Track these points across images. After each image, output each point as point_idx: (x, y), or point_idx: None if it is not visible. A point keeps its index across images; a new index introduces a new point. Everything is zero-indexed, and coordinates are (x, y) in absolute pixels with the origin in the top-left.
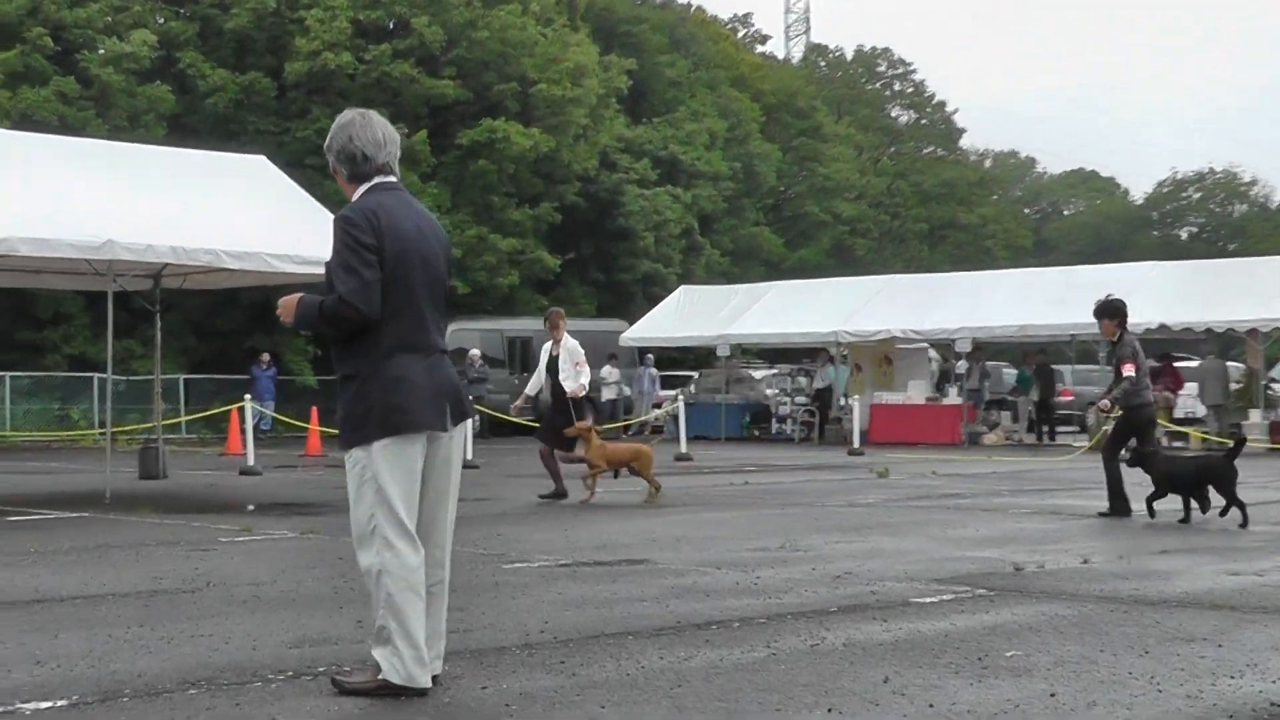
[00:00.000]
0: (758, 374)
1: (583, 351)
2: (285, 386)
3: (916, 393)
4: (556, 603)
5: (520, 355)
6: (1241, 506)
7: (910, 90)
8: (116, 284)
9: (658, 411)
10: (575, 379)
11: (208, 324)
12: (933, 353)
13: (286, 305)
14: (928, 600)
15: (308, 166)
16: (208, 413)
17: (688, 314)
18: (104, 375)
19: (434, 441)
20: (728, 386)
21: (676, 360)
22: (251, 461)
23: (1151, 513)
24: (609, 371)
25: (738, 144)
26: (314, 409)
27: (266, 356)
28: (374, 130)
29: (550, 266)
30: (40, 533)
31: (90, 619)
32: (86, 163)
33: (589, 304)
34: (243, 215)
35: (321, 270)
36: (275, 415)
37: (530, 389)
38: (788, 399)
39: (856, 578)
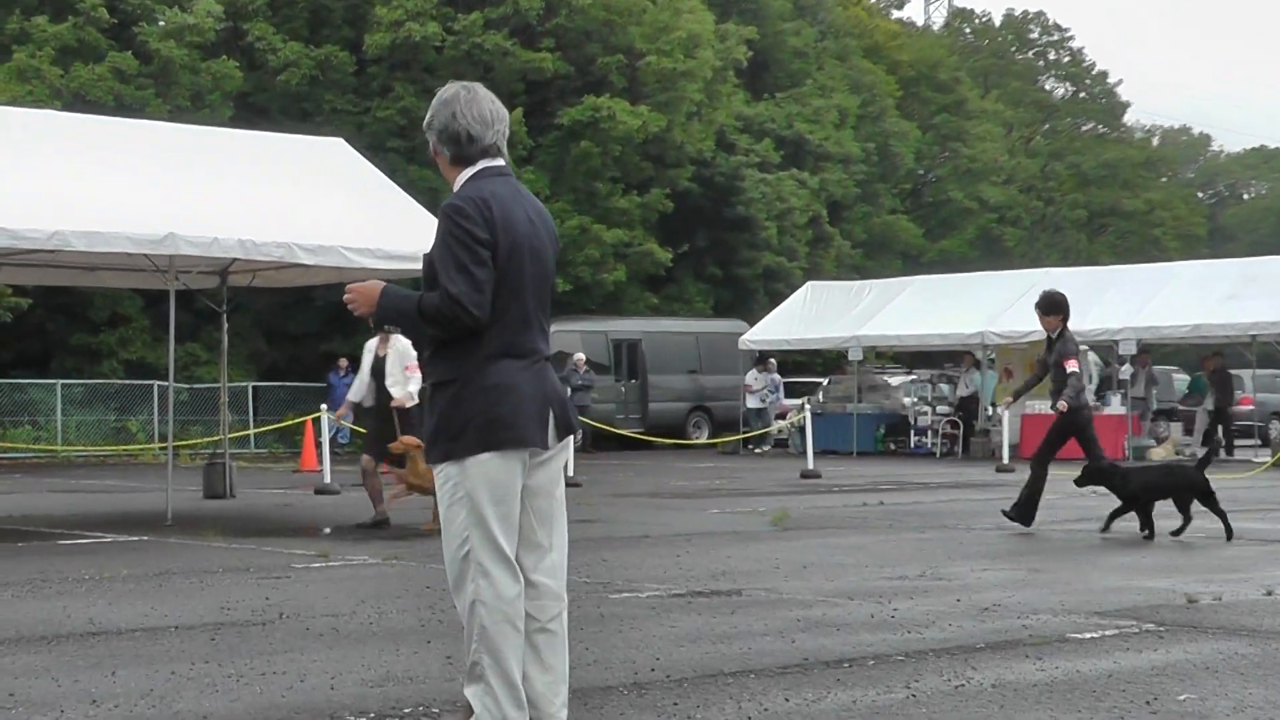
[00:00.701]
0: (894, 380)
1: (415, 354)
2: None
3: None
4: (669, 637)
5: (628, 360)
6: (1225, 519)
7: (1067, 60)
8: (179, 282)
9: (781, 423)
10: (404, 385)
11: (279, 326)
12: (1093, 356)
13: (363, 294)
14: (1088, 636)
15: (390, 150)
16: (279, 425)
17: (815, 313)
18: (165, 383)
19: (535, 458)
20: (860, 395)
21: (802, 365)
22: (328, 479)
23: (1107, 527)
24: (755, 377)
25: (871, 122)
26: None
27: (344, 362)
28: (480, 107)
29: (661, 260)
30: (96, 558)
31: (151, 654)
32: (145, 148)
33: (704, 303)
34: (318, 205)
35: (406, 266)
36: (353, 427)
37: (353, 395)
38: (927, 409)
39: (1006, 610)
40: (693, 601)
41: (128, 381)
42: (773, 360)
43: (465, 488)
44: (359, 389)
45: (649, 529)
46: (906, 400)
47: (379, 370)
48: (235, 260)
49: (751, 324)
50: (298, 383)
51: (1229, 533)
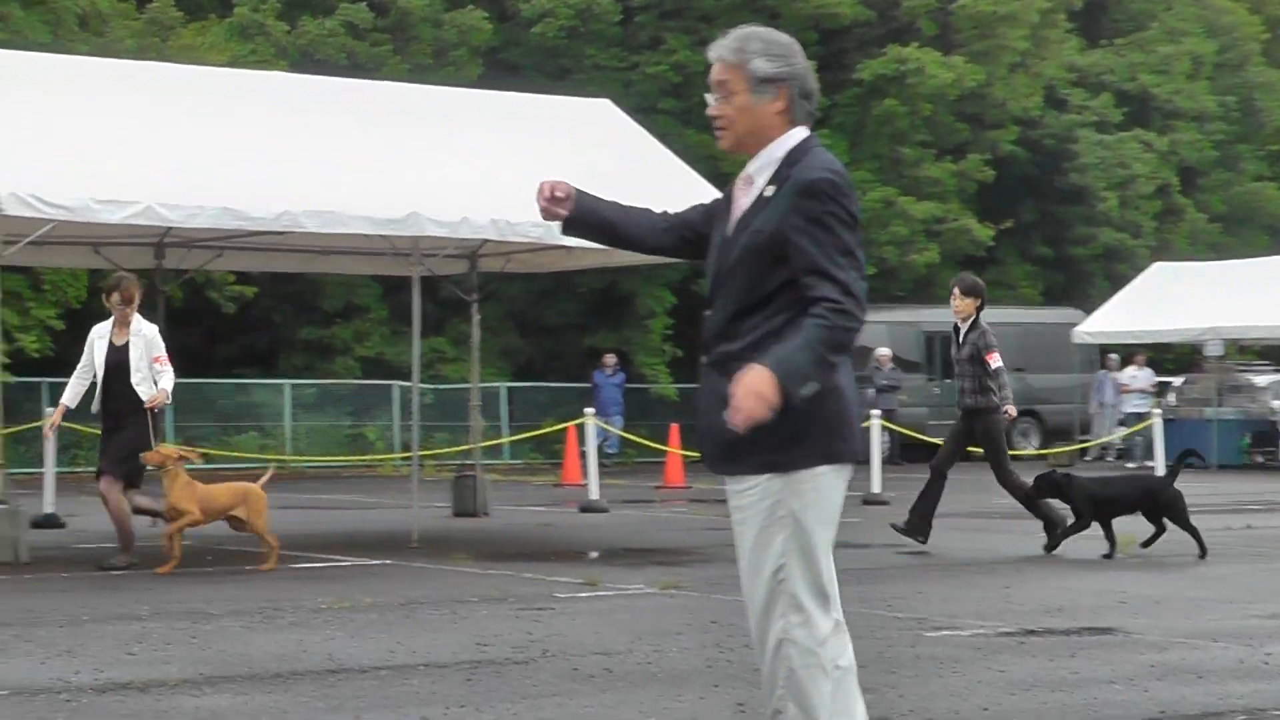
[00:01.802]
0: (1261, 380)
1: (163, 343)
2: (635, 398)
3: None
4: (997, 683)
5: (941, 355)
6: (1197, 534)
7: None
8: (423, 267)
9: (1124, 430)
10: (154, 382)
11: (535, 317)
12: None
13: (754, 399)
14: None
15: (660, 112)
16: (538, 432)
17: (1164, 300)
18: (407, 384)
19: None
20: (1220, 397)
21: (1152, 362)
22: (595, 495)
23: (1055, 544)
24: (1133, 375)
25: (1231, 72)
26: (673, 427)
27: (612, 359)
28: None
29: (980, 238)
30: (334, 584)
31: (398, 696)
32: (383, 113)
33: (1031, 287)
34: (582, 176)
35: None
36: (623, 434)
37: (68, 398)
38: None
39: None
40: (1024, 641)
41: (364, 381)
42: (1113, 356)
43: (790, 506)
44: (78, 388)
45: (971, 555)
46: (1276, 404)
47: (117, 364)
48: (487, 242)
49: (1088, 312)
50: (557, 383)
51: (1202, 549)
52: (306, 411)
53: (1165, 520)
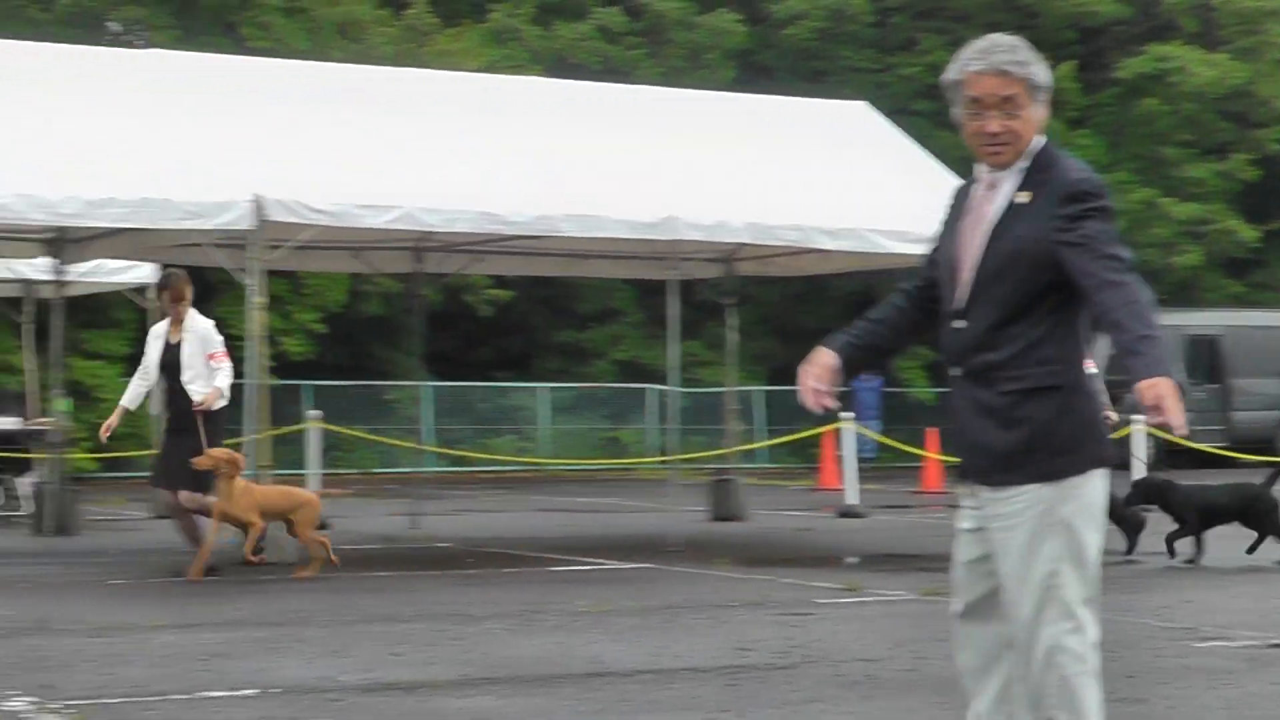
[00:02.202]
0: None
1: (220, 339)
2: (892, 402)
3: None
4: (1273, 696)
5: (1206, 360)
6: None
7: None
8: (679, 270)
9: None
10: (209, 380)
11: (790, 320)
12: None
13: (1165, 398)
14: None
15: (915, 114)
16: (793, 437)
17: None
18: (662, 387)
19: None
20: None
21: None
22: (853, 500)
23: (1172, 552)
24: None
25: None
26: (930, 431)
27: None
28: None
29: (1245, 240)
30: (593, 588)
31: (661, 700)
32: (638, 117)
33: None
34: (838, 180)
35: None
36: (881, 439)
37: (128, 399)
38: None
39: None
40: None
41: (619, 385)
42: None
43: (1062, 513)
44: (138, 391)
45: (1237, 563)
46: None
47: (171, 363)
48: (743, 245)
49: None
50: None
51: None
52: (562, 415)
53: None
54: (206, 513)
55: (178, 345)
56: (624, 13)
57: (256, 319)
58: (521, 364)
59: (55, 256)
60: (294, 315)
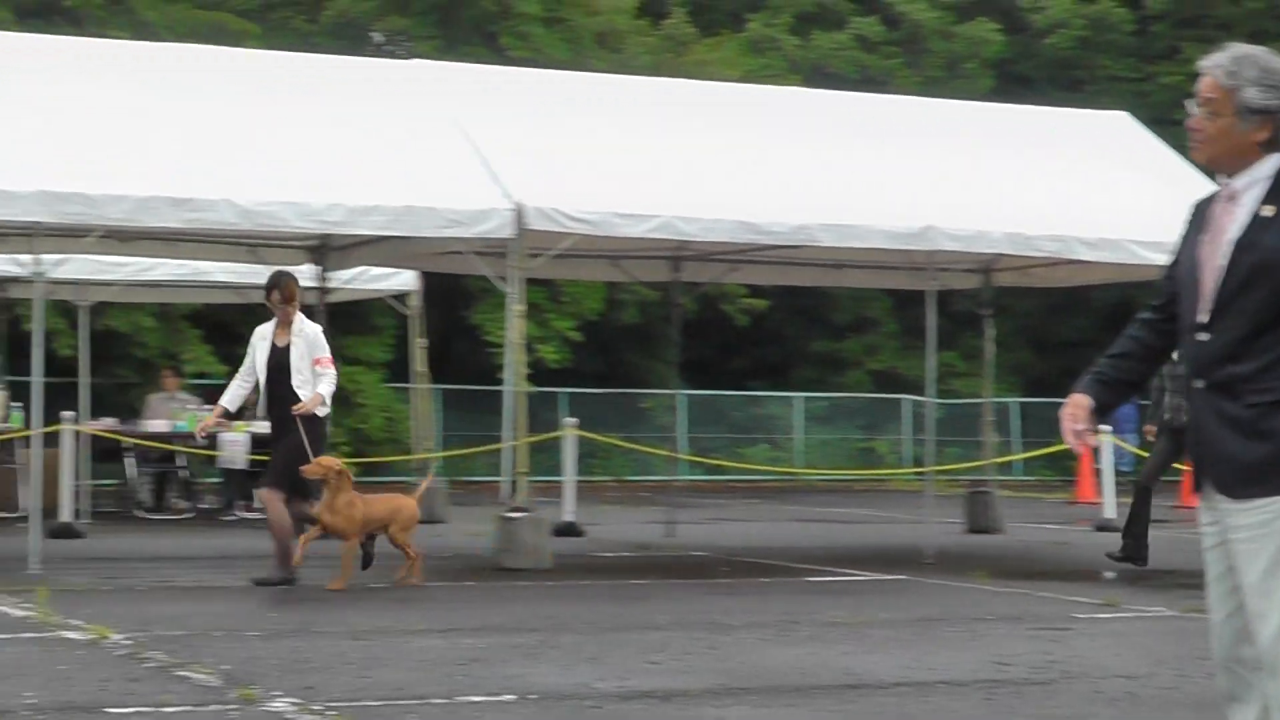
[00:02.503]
0: None
1: (326, 344)
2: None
3: None
4: None
5: None
6: None
7: None
8: (937, 281)
9: None
10: (314, 385)
11: (1047, 331)
12: None
13: None
14: None
15: (1175, 124)
16: (1050, 449)
17: None
18: (918, 398)
19: None
20: None
21: None
22: (1110, 513)
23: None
24: None
25: None
26: None
27: None
28: None
29: None
30: (848, 598)
31: (917, 713)
32: (896, 126)
33: None
34: (1098, 191)
35: None
36: (1139, 452)
37: (227, 400)
38: None
39: None
40: None
41: (874, 395)
42: None
43: None
44: (239, 393)
45: None
46: None
47: (280, 366)
48: (1001, 256)
49: None
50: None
51: None
52: (817, 424)
53: None
54: (308, 520)
55: (286, 348)
56: (882, 22)
57: (516, 326)
58: (776, 373)
59: (319, 264)
60: (551, 323)
